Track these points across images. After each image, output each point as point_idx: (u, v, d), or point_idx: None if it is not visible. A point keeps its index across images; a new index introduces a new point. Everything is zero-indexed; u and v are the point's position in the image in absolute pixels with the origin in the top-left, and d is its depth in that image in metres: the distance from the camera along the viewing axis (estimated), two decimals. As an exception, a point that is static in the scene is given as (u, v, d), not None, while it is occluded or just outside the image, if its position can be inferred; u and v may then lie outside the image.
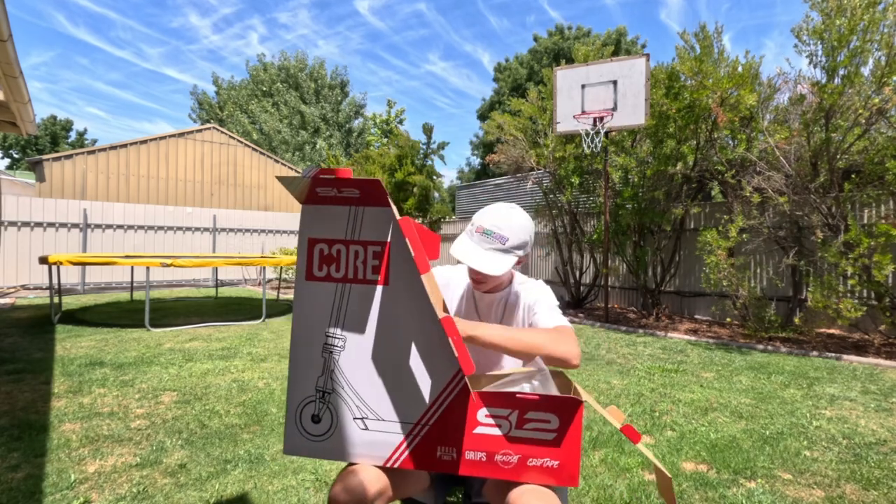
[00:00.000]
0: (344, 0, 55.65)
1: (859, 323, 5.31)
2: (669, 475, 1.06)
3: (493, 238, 1.26)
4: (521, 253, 1.30)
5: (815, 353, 4.91)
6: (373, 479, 1.09)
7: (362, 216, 1.09)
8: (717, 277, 5.80)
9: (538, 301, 1.37)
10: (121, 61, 64.74)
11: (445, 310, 1.05)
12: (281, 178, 1.04)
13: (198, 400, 3.32)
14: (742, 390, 3.67)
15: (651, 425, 2.93)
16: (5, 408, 3.06)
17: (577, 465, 1.00)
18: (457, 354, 0.98)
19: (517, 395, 1.02)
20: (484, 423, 1.03)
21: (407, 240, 1.03)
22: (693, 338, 5.78)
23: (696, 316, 7.47)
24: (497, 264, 1.25)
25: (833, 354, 4.81)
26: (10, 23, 3.19)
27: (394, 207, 1.06)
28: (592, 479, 2.25)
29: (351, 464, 1.13)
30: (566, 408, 1.00)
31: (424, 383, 1.06)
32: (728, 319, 6.53)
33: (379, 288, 1.08)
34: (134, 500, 2.05)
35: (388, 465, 1.07)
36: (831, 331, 6.01)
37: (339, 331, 1.09)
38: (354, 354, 1.08)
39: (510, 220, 1.29)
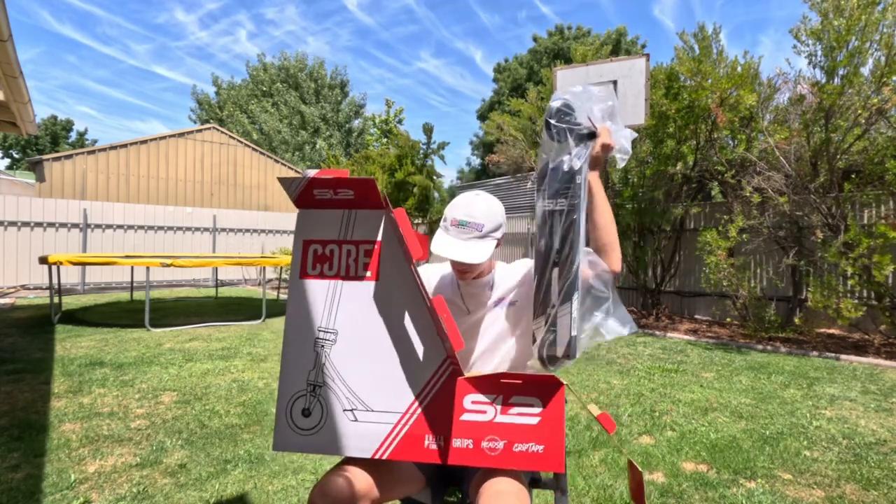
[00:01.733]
0: (331, -5, 54.98)
1: (859, 323, 5.31)
2: (641, 471, 1.07)
3: (469, 228, 1.28)
4: (498, 235, 1.33)
5: (814, 353, 4.92)
6: (355, 481, 1.08)
7: (354, 218, 1.15)
8: (717, 277, 5.81)
9: (531, 264, 1.38)
10: (108, 58, 64.26)
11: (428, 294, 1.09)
12: (282, 179, 1.09)
13: (198, 400, 3.32)
14: (742, 390, 3.67)
15: (651, 425, 2.93)
16: (5, 408, 3.06)
17: (562, 449, 1.02)
18: (446, 331, 0.99)
19: (501, 380, 1.05)
20: (470, 409, 1.05)
21: (400, 229, 1.05)
22: (693, 338, 5.78)
23: (696, 316, 7.47)
24: (479, 252, 1.27)
25: (833, 354, 4.81)
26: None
27: (387, 203, 1.09)
28: (592, 479, 2.25)
29: (336, 467, 1.14)
30: (548, 391, 1.03)
31: (412, 373, 1.09)
32: (728, 319, 6.53)
33: (370, 283, 1.13)
34: (134, 500, 2.05)
35: (377, 457, 1.08)
36: (831, 331, 6.01)
37: (331, 325, 1.13)
38: (345, 347, 1.12)
39: (481, 206, 1.31)
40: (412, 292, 1.10)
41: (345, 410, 1.10)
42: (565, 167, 1.17)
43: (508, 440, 1.03)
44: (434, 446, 1.05)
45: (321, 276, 1.15)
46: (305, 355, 1.13)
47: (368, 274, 1.13)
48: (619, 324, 1.16)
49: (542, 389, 1.03)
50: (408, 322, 1.10)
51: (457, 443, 1.04)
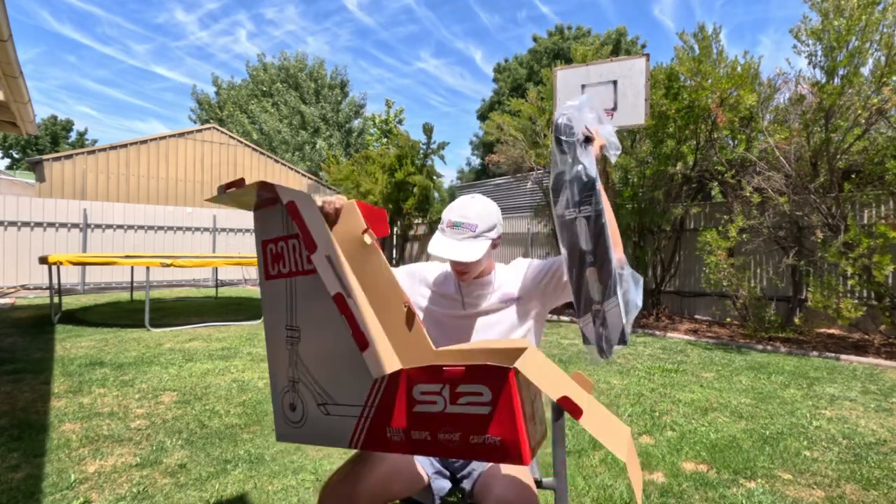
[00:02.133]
0: (331, -5, 54.78)
1: (859, 323, 5.31)
2: (624, 460, 0.96)
3: (463, 228, 1.34)
4: (492, 235, 1.37)
5: (814, 353, 4.92)
6: (358, 481, 1.10)
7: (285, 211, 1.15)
8: (717, 277, 5.81)
9: (530, 262, 1.48)
10: (108, 58, 64.15)
11: (348, 288, 1.06)
12: (212, 200, 1.10)
13: (198, 400, 3.32)
14: (742, 390, 3.67)
15: (651, 425, 2.93)
16: (5, 408, 3.06)
17: (523, 440, 0.93)
18: (350, 332, 0.99)
19: (444, 369, 0.99)
20: (420, 400, 1.01)
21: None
22: (693, 338, 5.78)
23: (696, 316, 7.47)
24: (473, 251, 1.32)
25: (833, 354, 4.81)
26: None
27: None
28: (592, 479, 2.25)
29: (341, 466, 1.16)
30: (494, 378, 0.94)
31: (363, 365, 1.08)
32: (728, 319, 6.53)
33: (315, 277, 1.12)
34: (134, 500, 2.05)
35: (352, 447, 1.09)
36: (831, 331, 6.02)
37: (294, 322, 1.15)
38: (307, 342, 1.13)
39: (475, 208, 1.37)
40: (346, 282, 1.07)
41: (318, 405, 1.11)
42: (584, 177, 1.23)
43: (463, 432, 0.97)
44: (396, 438, 1.03)
45: (279, 275, 1.16)
46: (282, 354, 1.15)
47: (312, 267, 1.11)
48: (633, 282, 1.25)
49: (488, 377, 0.95)
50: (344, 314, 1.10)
51: (415, 434, 1.01)
